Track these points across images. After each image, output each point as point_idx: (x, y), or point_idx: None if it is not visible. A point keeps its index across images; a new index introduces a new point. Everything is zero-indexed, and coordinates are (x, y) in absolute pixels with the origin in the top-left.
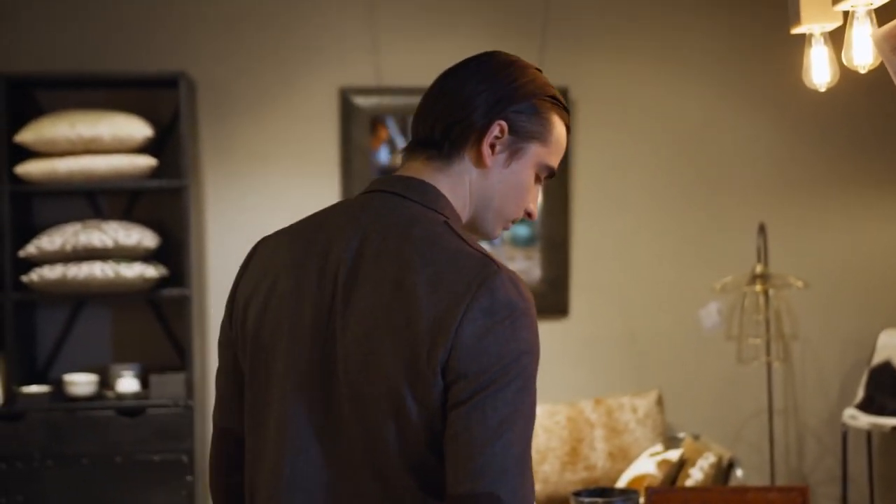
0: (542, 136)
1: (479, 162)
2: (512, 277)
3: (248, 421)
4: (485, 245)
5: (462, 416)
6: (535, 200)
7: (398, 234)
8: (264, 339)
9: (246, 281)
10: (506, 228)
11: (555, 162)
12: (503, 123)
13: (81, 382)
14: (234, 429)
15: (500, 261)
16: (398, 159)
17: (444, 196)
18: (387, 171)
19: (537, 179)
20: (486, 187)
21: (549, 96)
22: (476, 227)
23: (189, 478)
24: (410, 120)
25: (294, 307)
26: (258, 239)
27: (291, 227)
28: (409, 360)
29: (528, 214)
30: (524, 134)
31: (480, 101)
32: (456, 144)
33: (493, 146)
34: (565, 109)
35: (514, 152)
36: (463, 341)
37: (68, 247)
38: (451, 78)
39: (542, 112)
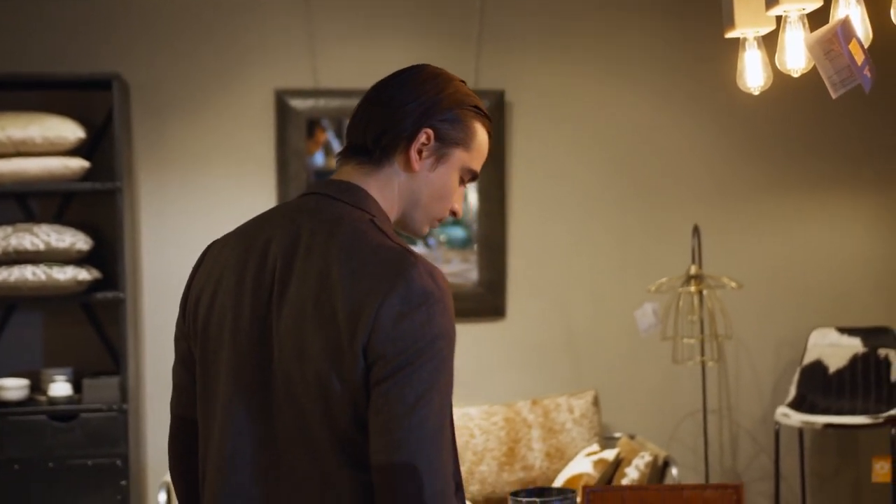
0: (466, 142)
1: (408, 166)
2: (428, 268)
3: (199, 408)
4: (422, 248)
5: (382, 393)
6: (460, 201)
7: (327, 230)
8: (211, 331)
9: (197, 279)
10: (433, 226)
11: (477, 166)
12: (430, 131)
13: (12, 387)
14: (190, 417)
15: (418, 254)
16: (332, 162)
17: (372, 197)
18: (322, 174)
19: (461, 182)
20: (413, 189)
21: (471, 106)
22: (405, 225)
23: (123, 482)
24: (346, 123)
25: (236, 301)
26: (192, 241)
27: (238, 228)
28: (333, 345)
29: (454, 213)
30: (449, 140)
31: (409, 110)
32: (386, 150)
33: (420, 152)
34: (487, 117)
35: (439, 157)
36: (382, 325)
37: None
38: (382, 89)
39: (464, 120)
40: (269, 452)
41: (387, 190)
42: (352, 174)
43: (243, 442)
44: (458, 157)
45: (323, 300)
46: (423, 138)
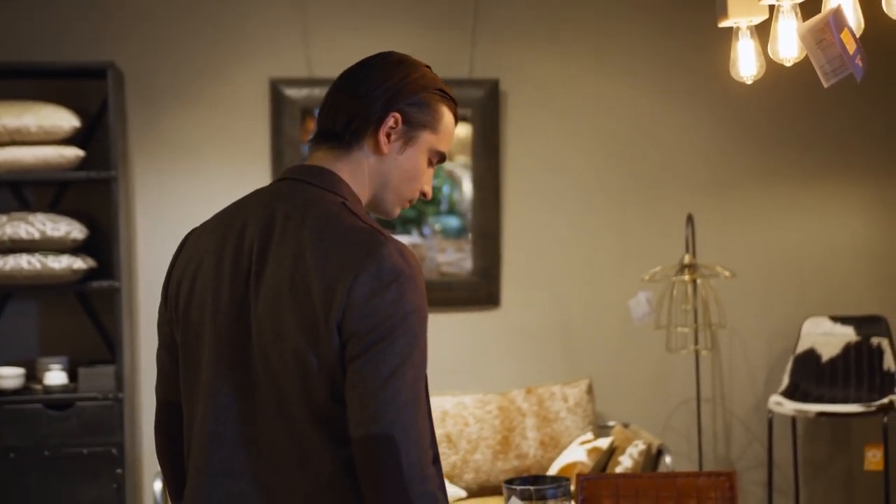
0: (432, 125)
1: (377, 149)
2: (398, 247)
3: (182, 389)
4: (417, 237)
5: (357, 368)
6: (429, 182)
7: (300, 214)
8: (193, 314)
9: (178, 266)
10: (404, 207)
11: (445, 147)
12: (397, 115)
13: (8, 376)
14: (174, 399)
15: (388, 234)
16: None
17: (343, 181)
18: None
19: (430, 163)
20: (383, 172)
21: (437, 89)
22: (376, 206)
23: (119, 470)
24: None
25: (215, 284)
26: (188, 230)
27: (215, 215)
28: (309, 323)
29: (423, 194)
30: (416, 123)
31: (376, 95)
32: (356, 135)
33: (388, 135)
34: (452, 100)
35: (407, 140)
36: (354, 303)
37: None
38: (350, 76)
39: (431, 104)
40: (250, 430)
41: (357, 173)
42: (323, 159)
43: (226, 420)
44: (426, 139)
45: (298, 281)
46: (391, 122)
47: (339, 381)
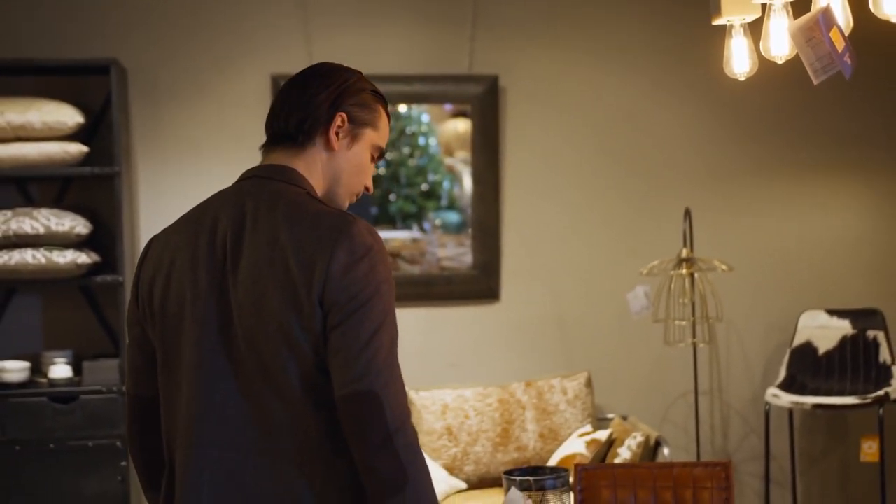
0: (374, 122)
1: (328, 146)
2: (367, 226)
3: (162, 379)
4: (417, 233)
5: (339, 335)
6: (370, 177)
7: (269, 205)
8: (171, 307)
9: (146, 268)
10: (352, 201)
11: (383, 143)
12: (343, 115)
13: (13, 369)
14: (147, 395)
15: (353, 214)
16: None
17: (302, 175)
18: None
19: (372, 159)
20: (334, 167)
21: (372, 91)
22: (330, 200)
23: (123, 463)
24: None
25: (192, 275)
26: None
27: (179, 219)
28: (292, 299)
29: (367, 189)
30: (360, 122)
31: (323, 98)
32: (309, 134)
33: (337, 133)
34: (385, 101)
35: (353, 137)
36: (333, 276)
37: None
38: (296, 84)
39: (370, 104)
40: (236, 404)
41: (313, 169)
42: (280, 158)
43: (212, 397)
44: (369, 135)
45: (276, 262)
46: (338, 121)
47: (321, 350)
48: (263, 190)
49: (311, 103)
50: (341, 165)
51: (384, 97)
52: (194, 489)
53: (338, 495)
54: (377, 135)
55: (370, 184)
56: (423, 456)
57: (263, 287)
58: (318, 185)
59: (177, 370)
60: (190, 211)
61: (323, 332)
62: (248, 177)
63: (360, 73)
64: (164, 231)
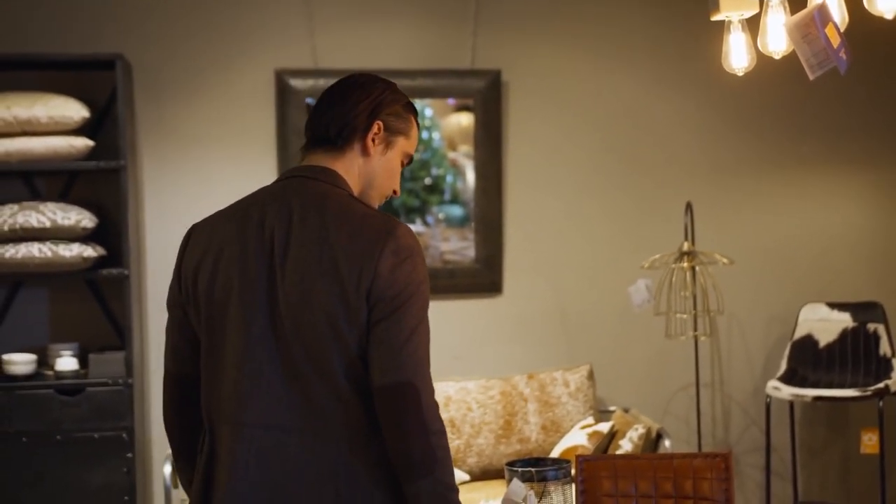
0: (406, 131)
1: (365, 152)
2: (408, 229)
3: (205, 358)
4: (420, 226)
5: (383, 328)
6: (399, 182)
7: (316, 204)
8: (217, 293)
9: (189, 255)
10: (381, 203)
11: (412, 150)
12: (380, 123)
13: (20, 362)
14: (185, 372)
15: (396, 217)
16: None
17: (342, 177)
18: None
19: (402, 164)
20: (369, 171)
21: (406, 103)
22: (363, 201)
23: (129, 454)
24: None
25: (242, 265)
26: (195, 218)
27: (222, 211)
28: (340, 293)
29: (395, 192)
30: (394, 130)
31: (362, 108)
32: (348, 139)
33: (374, 140)
34: (416, 112)
35: (387, 144)
36: (381, 274)
37: (5, 227)
38: (338, 92)
39: (403, 114)
40: (281, 387)
41: (350, 171)
42: (322, 160)
43: (259, 376)
44: (401, 143)
45: (325, 258)
46: (375, 129)
47: (363, 341)
48: (309, 189)
49: (351, 111)
50: (375, 169)
51: (415, 108)
52: (242, 463)
53: (368, 471)
54: (408, 143)
55: (398, 187)
56: (448, 443)
57: (312, 281)
58: (354, 186)
59: (221, 352)
60: (233, 204)
61: (366, 325)
62: (292, 175)
63: (394, 84)
64: (205, 221)
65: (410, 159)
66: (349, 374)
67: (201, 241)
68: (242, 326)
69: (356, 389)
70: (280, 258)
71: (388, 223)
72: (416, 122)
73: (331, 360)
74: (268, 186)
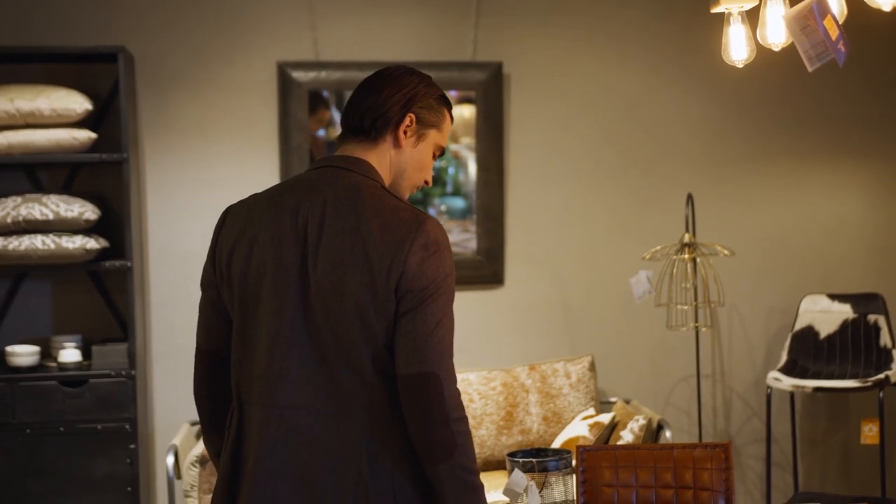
0: (438, 124)
1: (397, 143)
2: (436, 222)
3: (237, 338)
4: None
5: (410, 319)
6: (430, 172)
7: (350, 195)
8: (251, 276)
9: (224, 236)
10: (412, 192)
11: (444, 143)
12: (413, 115)
13: (23, 354)
14: (217, 349)
15: (425, 212)
16: (332, 133)
17: (374, 168)
18: (323, 144)
19: (433, 156)
20: (401, 162)
21: (440, 96)
22: (393, 191)
23: (132, 446)
24: (347, 94)
25: (275, 250)
26: (197, 210)
27: (258, 195)
28: (370, 283)
29: (426, 182)
30: (427, 123)
31: (396, 100)
32: (381, 131)
33: (406, 132)
34: (450, 104)
35: (420, 136)
36: (410, 267)
37: (9, 219)
38: (373, 83)
39: (436, 107)
40: (311, 370)
41: (382, 162)
42: (355, 150)
43: (289, 359)
44: (433, 136)
45: (357, 249)
46: (408, 121)
47: (390, 330)
48: (342, 180)
49: (385, 103)
50: (407, 161)
51: (449, 101)
52: (270, 441)
53: (389, 454)
54: (440, 135)
55: (430, 178)
56: (469, 428)
57: (343, 270)
58: (386, 176)
59: (252, 333)
60: (267, 190)
61: (394, 315)
62: (326, 165)
63: (429, 77)
64: (241, 203)
65: (443, 151)
66: (375, 362)
67: (237, 224)
68: (275, 311)
69: (381, 376)
70: (313, 246)
71: (418, 217)
72: (450, 114)
73: (358, 348)
74: (302, 175)
